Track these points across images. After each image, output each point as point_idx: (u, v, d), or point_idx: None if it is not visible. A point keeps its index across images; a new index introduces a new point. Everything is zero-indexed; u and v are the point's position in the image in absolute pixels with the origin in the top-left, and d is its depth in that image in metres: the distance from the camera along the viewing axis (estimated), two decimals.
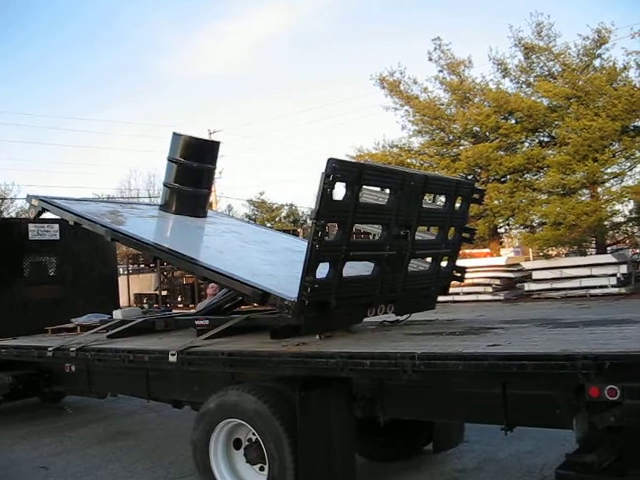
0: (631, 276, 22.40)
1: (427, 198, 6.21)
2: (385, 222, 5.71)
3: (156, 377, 6.37)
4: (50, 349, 7.10)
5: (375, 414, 4.91)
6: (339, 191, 5.10)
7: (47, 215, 7.84)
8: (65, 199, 7.73)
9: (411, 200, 5.80)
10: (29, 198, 7.60)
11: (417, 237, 6.12)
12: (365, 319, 6.07)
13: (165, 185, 8.26)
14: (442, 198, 6.55)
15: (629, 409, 3.50)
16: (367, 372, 4.54)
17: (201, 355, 5.55)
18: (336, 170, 4.94)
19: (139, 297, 28.74)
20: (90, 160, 78.31)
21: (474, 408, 4.47)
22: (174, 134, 8.03)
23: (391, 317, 6.37)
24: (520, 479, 5.66)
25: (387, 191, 5.94)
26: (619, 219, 27.90)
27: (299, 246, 7.52)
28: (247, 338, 5.99)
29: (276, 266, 6.75)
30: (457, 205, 6.51)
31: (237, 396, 5.07)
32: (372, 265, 5.81)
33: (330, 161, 4.92)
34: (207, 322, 6.45)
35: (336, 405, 4.89)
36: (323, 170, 4.91)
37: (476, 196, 6.69)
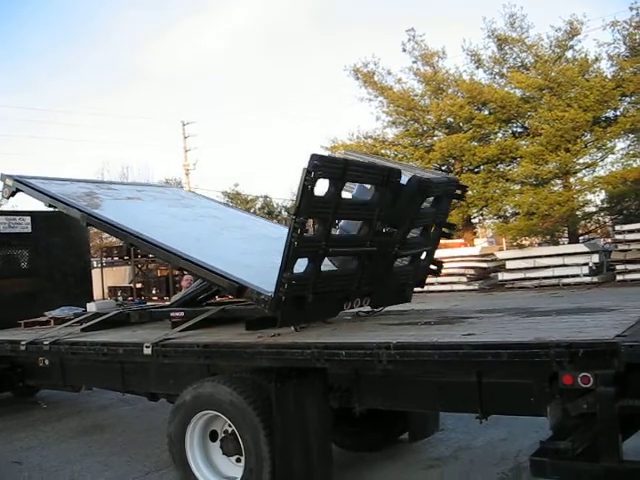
0: (603, 265, 22.65)
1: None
2: (367, 218, 5.64)
3: (131, 370, 6.32)
4: (23, 343, 7.01)
5: (351, 404, 4.92)
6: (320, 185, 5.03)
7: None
8: (41, 179, 7.54)
9: (402, 199, 5.71)
10: (3, 177, 7.40)
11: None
12: (341, 312, 6.08)
13: None
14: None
15: (602, 396, 3.54)
16: (343, 362, 4.54)
17: (176, 347, 5.52)
18: (318, 167, 4.82)
19: (113, 290, 28.52)
20: (64, 153, 77.32)
21: (449, 397, 4.49)
22: None
23: (367, 308, 6.38)
24: (495, 466, 5.70)
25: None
26: (591, 209, 28.23)
27: (277, 232, 7.46)
28: (222, 329, 5.98)
29: (253, 255, 6.69)
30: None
31: (213, 388, 5.05)
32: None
33: (313, 157, 4.80)
34: (182, 314, 6.42)
35: (312, 396, 4.90)
36: (305, 166, 4.78)
37: (458, 192, 6.65)
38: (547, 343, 3.73)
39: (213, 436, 5.24)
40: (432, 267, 6.91)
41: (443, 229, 6.72)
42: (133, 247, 6.98)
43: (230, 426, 4.99)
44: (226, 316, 6.26)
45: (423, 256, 6.67)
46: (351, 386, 4.87)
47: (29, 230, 9.65)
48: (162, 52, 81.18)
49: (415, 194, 5.80)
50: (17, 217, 9.57)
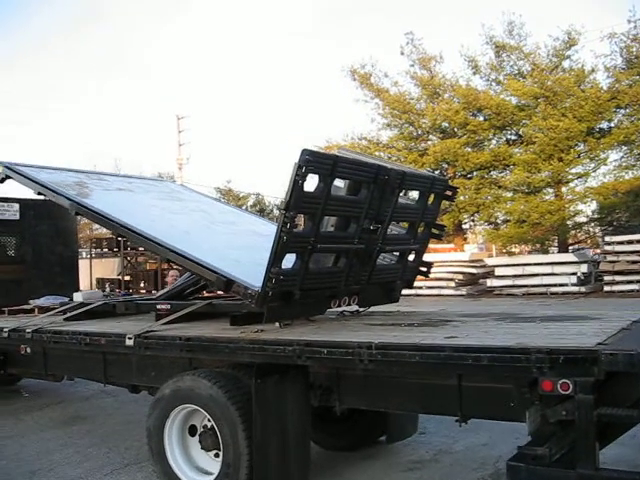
0: (591, 275, 22.77)
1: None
2: (356, 215, 5.64)
3: (113, 361, 6.27)
4: (5, 330, 6.97)
5: (331, 403, 4.90)
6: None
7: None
8: (31, 166, 7.51)
9: (385, 194, 5.73)
10: None
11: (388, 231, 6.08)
12: (328, 310, 6.06)
13: None
14: (415, 193, 6.51)
15: (581, 403, 3.54)
16: (324, 360, 4.53)
17: (158, 340, 5.48)
18: (309, 162, 4.86)
19: (101, 281, 28.43)
20: (56, 142, 77.06)
21: (430, 399, 4.49)
22: None
23: (354, 307, 6.36)
24: (475, 471, 5.70)
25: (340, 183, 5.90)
26: (581, 219, 28.42)
27: (266, 230, 7.45)
28: (206, 324, 5.95)
29: (242, 250, 6.68)
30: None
31: (193, 382, 5.03)
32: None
33: (304, 152, 4.84)
34: (168, 306, 6.39)
35: (292, 393, 4.88)
36: (296, 161, 4.82)
37: (449, 193, 6.65)
38: (528, 348, 3.72)
39: (192, 430, 5.22)
40: (421, 268, 6.89)
41: (433, 230, 6.71)
42: (122, 238, 6.98)
43: (209, 421, 4.97)
44: (212, 311, 6.23)
45: (412, 257, 6.66)
46: (332, 385, 4.85)
47: (17, 217, 9.62)
48: (158, 45, 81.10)
49: (393, 187, 5.79)
50: (5, 204, 9.52)
